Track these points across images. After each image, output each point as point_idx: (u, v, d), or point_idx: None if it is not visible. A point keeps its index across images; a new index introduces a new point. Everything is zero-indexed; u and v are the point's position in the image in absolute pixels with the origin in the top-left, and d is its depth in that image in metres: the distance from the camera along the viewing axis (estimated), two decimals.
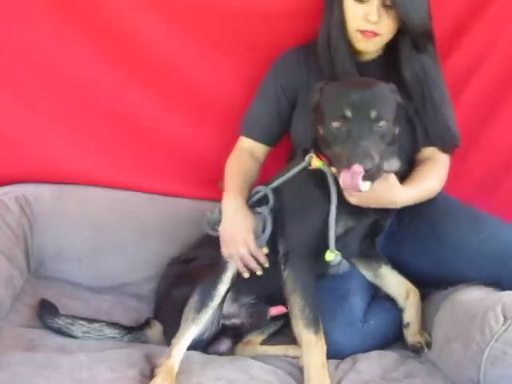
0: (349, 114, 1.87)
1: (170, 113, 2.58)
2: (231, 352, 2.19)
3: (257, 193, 2.19)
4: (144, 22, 2.42)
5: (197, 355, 2.06)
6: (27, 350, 1.97)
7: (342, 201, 1.99)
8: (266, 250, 2.08)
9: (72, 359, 1.93)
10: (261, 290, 2.17)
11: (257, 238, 2.08)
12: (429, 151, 2.26)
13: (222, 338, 2.17)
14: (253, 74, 2.47)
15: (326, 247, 2.00)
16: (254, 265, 2.09)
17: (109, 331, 2.17)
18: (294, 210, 2.08)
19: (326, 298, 2.14)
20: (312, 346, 1.93)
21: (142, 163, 2.64)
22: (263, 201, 2.14)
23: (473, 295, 2.06)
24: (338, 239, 2.01)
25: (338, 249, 1.99)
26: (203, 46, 2.47)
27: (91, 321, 2.18)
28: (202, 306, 2.01)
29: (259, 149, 2.38)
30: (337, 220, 1.99)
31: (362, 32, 2.12)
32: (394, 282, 2.23)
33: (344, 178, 1.84)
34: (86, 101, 2.54)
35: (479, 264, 2.09)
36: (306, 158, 2.07)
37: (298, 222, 2.06)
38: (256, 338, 2.26)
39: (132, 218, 2.59)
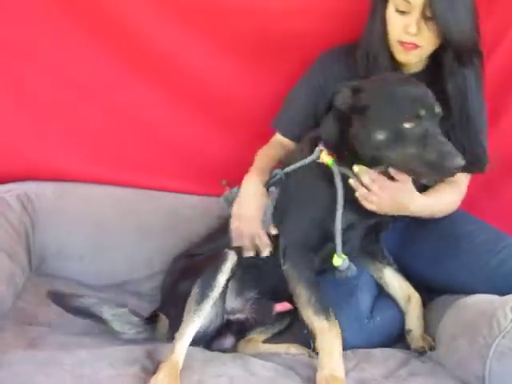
0: (423, 112, 1.83)
1: (173, 110, 2.58)
2: (233, 349, 2.17)
3: (275, 176, 2.18)
4: (149, 19, 2.42)
5: (198, 352, 2.04)
6: (28, 347, 1.96)
7: (346, 198, 1.98)
8: (273, 231, 2.08)
9: (73, 356, 1.91)
10: (264, 283, 2.15)
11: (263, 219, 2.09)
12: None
13: (227, 334, 2.16)
14: (259, 73, 2.48)
15: (325, 242, 2.00)
16: (258, 241, 2.09)
17: (133, 318, 2.15)
18: (296, 202, 2.07)
19: (332, 294, 2.12)
20: (327, 331, 1.89)
21: (143, 160, 2.64)
22: (279, 184, 2.15)
23: (480, 299, 2.04)
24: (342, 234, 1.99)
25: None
26: (209, 45, 2.47)
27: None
28: (203, 297, 1.99)
29: (293, 144, 2.38)
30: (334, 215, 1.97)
31: (402, 43, 2.10)
32: (396, 286, 2.22)
33: None
34: (87, 99, 2.54)
35: (496, 284, 2.06)
36: (316, 150, 2.05)
37: (299, 214, 2.05)
38: (259, 336, 2.25)
39: (134, 216, 2.58)
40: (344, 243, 2.00)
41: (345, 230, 2.01)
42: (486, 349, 1.83)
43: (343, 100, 1.94)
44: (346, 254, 1.99)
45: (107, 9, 2.39)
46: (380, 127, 1.87)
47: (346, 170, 1.99)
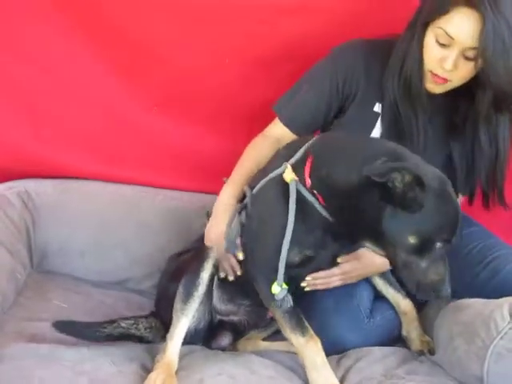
0: (454, 241, 1.74)
1: (169, 109, 2.58)
2: (234, 347, 2.18)
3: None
4: (139, 18, 2.40)
5: (198, 350, 2.06)
6: (30, 343, 1.96)
7: (302, 228, 1.86)
8: (240, 256, 1.99)
9: (75, 352, 1.93)
10: (254, 294, 2.06)
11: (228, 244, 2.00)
12: None
13: (223, 332, 2.17)
14: (250, 71, 2.47)
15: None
16: (227, 267, 2.04)
17: (157, 323, 2.15)
18: (258, 221, 1.97)
19: (332, 294, 2.13)
20: (304, 348, 1.88)
21: (144, 157, 2.64)
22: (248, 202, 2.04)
23: (476, 301, 2.04)
24: (297, 265, 1.91)
25: (298, 271, 1.93)
26: (201, 42, 2.45)
27: (137, 316, 2.17)
28: (188, 296, 1.99)
29: (290, 137, 2.21)
30: (291, 248, 1.85)
31: (433, 75, 1.98)
32: (384, 292, 2.21)
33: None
34: (86, 97, 2.54)
35: (488, 295, 2.04)
36: (283, 165, 1.90)
37: (260, 234, 1.96)
38: (259, 334, 2.25)
39: (135, 213, 2.58)
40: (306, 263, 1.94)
41: (300, 264, 1.92)
42: (483, 350, 1.84)
43: (399, 184, 1.64)
44: (287, 284, 1.87)
45: (95, 5, 2.38)
46: (419, 234, 1.69)
47: (307, 194, 1.85)
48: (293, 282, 1.93)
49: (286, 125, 2.23)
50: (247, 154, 2.21)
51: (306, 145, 1.93)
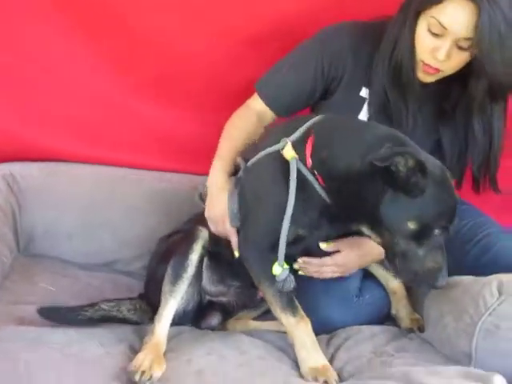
0: (452, 229, 1.75)
1: (156, 90, 2.56)
2: (223, 327, 2.18)
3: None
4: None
5: (187, 331, 2.06)
6: (17, 326, 1.95)
7: (299, 207, 1.84)
8: (286, 266, 1.91)
9: (62, 335, 1.92)
10: (245, 275, 2.05)
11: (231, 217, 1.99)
12: None
13: (212, 312, 2.16)
14: (238, 50, 2.45)
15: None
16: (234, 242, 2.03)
17: (143, 305, 2.15)
18: (252, 198, 1.96)
19: None
20: (294, 328, 1.89)
21: (131, 139, 2.62)
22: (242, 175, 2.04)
23: (466, 278, 2.04)
24: (287, 244, 1.88)
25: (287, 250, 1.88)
26: (186, 21, 2.42)
27: (121, 298, 2.15)
28: (177, 278, 1.97)
29: (271, 116, 2.21)
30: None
31: (425, 65, 1.94)
32: (373, 270, 2.21)
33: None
34: (72, 80, 2.52)
35: (479, 273, 2.03)
36: (282, 141, 1.89)
37: (254, 212, 1.95)
38: (248, 313, 2.25)
39: (121, 194, 2.56)
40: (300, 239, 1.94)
41: (292, 243, 1.90)
42: (472, 327, 1.84)
43: (403, 168, 1.65)
44: (289, 264, 1.88)
45: None
46: (418, 219, 1.70)
47: (307, 174, 1.85)
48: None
49: (268, 104, 2.20)
50: (233, 125, 2.18)
51: (309, 123, 1.91)
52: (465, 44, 1.87)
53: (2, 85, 2.48)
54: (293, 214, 1.83)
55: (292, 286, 1.88)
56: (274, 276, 1.87)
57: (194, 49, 2.47)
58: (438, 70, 1.95)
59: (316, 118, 1.92)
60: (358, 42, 2.10)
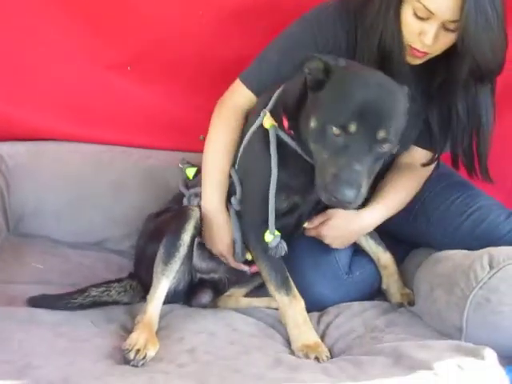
0: (353, 128, 1.66)
1: (142, 67, 2.53)
2: (214, 304, 2.18)
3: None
4: None
5: (178, 308, 2.06)
6: (8, 305, 1.95)
7: (287, 172, 1.89)
8: (249, 257, 2.03)
9: (53, 315, 1.93)
10: None
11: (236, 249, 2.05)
12: (419, 155, 2.17)
13: (203, 290, 2.16)
14: (224, 25, 2.42)
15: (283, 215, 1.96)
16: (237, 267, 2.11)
17: (133, 283, 2.14)
18: (246, 174, 2.01)
19: (310, 252, 2.15)
20: (287, 307, 1.93)
21: (118, 117, 2.60)
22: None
23: (456, 252, 2.05)
24: (284, 213, 1.96)
25: (285, 220, 1.96)
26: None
27: (111, 281, 2.12)
28: (169, 257, 1.97)
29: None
30: (278, 194, 1.89)
31: (412, 49, 1.92)
32: (365, 245, 2.22)
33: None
34: (58, 57, 2.49)
35: (469, 246, 2.05)
36: (261, 113, 1.92)
37: (249, 186, 2.00)
38: (239, 290, 2.26)
39: (109, 172, 2.55)
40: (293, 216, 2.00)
41: (289, 211, 1.98)
42: (463, 300, 1.86)
43: (313, 71, 1.76)
44: (279, 231, 1.91)
45: None
46: (317, 116, 1.74)
47: (286, 137, 1.88)
48: (282, 232, 1.94)
49: (255, 92, 2.13)
50: (219, 139, 2.10)
51: (280, 89, 1.94)
52: (452, 26, 1.84)
53: None
54: (282, 181, 1.87)
55: (283, 253, 1.92)
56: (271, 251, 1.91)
57: (180, 25, 2.44)
58: (425, 53, 1.93)
59: (286, 83, 1.94)
60: (346, 23, 2.04)
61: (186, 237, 2.01)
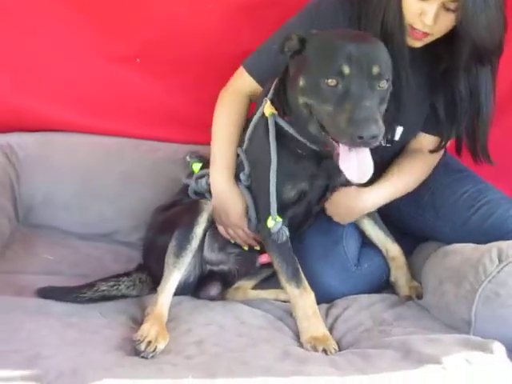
0: (347, 70, 1.69)
1: (151, 59, 2.53)
2: (222, 297, 2.18)
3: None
4: None
5: (186, 300, 2.06)
6: (18, 296, 1.97)
7: (291, 160, 1.92)
8: (279, 219, 1.97)
9: (63, 306, 1.94)
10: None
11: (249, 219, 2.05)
12: (426, 141, 2.18)
13: (212, 283, 2.16)
14: (233, 17, 2.42)
15: (293, 202, 1.99)
16: (251, 242, 2.11)
17: (141, 276, 2.14)
18: (253, 162, 2.03)
19: (319, 243, 2.15)
20: (298, 299, 1.94)
21: (127, 109, 2.60)
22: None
23: (464, 245, 2.05)
24: (294, 203, 1.99)
25: (295, 209, 1.99)
26: None
27: (120, 275, 2.11)
28: (181, 249, 1.99)
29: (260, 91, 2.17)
30: (285, 183, 1.93)
31: (413, 30, 1.91)
32: (373, 237, 2.22)
33: (348, 158, 1.73)
34: (67, 49, 2.50)
35: (477, 240, 2.04)
36: (263, 102, 1.96)
37: (257, 174, 2.02)
38: (247, 283, 2.26)
39: (118, 164, 2.56)
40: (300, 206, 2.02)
41: (298, 199, 2.00)
42: (472, 293, 1.85)
43: (289, 47, 1.83)
44: (281, 217, 1.94)
45: None
46: (303, 74, 1.78)
47: (285, 124, 1.91)
48: (291, 222, 1.99)
49: (258, 80, 2.17)
50: (223, 121, 2.15)
51: (277, 78, 1.97)
52: (452, 6, 1.84)
53: None
54: (287, 169, 1.91)
55: (285, 238, 1.95)
56: (282, 244, 1.95)
57: (189, 19, 2.44)
58: (426, 34, 1.93)
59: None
60: (349, 13, 2.04)
61: (199, 230, 2.02)
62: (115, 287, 2.06)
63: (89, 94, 2.56)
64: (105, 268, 2.25)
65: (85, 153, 2.56)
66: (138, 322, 1.91)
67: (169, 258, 1.99)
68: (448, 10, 1.85)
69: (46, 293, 1.98)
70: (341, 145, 1.74)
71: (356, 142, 1.67)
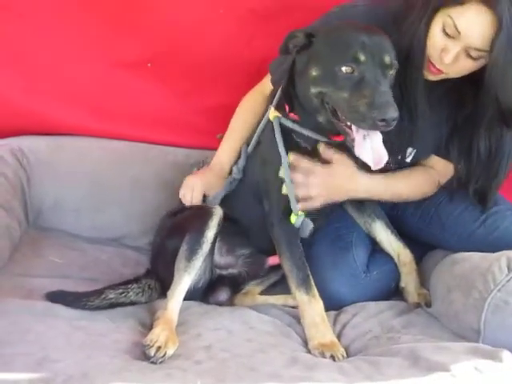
0: (362, 57, 1.76)
1: (163, 65, 2.55)
2: (231, 302, 2.19)
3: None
4: None
5: (195, 305, 2.06)
6: (26, 298, 1.97)
7: (298, 153, 1.98)
8: (301, 212, 2.00)
9: (71, 309, 1.94)
10: (256, 244, 2.17)
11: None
12: (438, 164, 2.19)
13: (221, 288, 2.17)
14: (246, 24, 2.43)
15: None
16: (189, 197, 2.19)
17: (150, 281, 2.14)
18: (263, 168, 2.07)
19: (328, 250, 2.16)
20: (306, 306, 1.94)
21: (138, 113, 2.61)
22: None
23: (473, 254, 2.04)
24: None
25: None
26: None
27: (128, 282, 2.10)
28: (192, 253, 1.99)
29: None
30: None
31: (430, 63, 1.93)
32: (385, 242, 2.21)
33: (363, 145, 1.77)
34: (79, 53, 2.51)
35: (484, 251, 2.02)
36: (269, 109, 2.04)
37: (269, 180, 2.04)
38: (255, 288, 2.26)
39: (127, 168, 2.57)
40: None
41: None
42: (481, 302, 1.84)
43: (295, 43, 1.90)
44: (303, 212, 1.97)
45: None
46: (316, 64, 1.84)
47: (291, 124, 1.97)
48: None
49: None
50: (245, 108, 2.27)
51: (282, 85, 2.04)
52: (475, 54, 1.83)
53: (10, 62, 2.49)
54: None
55: (310, 228, 1.98)
56: (294, 247, 1.97)
57: (201, 25, 2.46)
58: (440, 72, 1.92)
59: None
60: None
61: (210, 234, 2.03)
62: (123, 294, 2.05)
63: (99, 98, 2.58)
64: (113, 272, 2.26)
65: (95, 157, 2.57)
66: (146, 326, 1.92)
67: (180, 263, 1.99)
68: (469, 56, 1.84)
69: (55, 297, 1.98)
70: (355, 131, 1.79)
71: (377, 125, 1.73)
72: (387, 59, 1.78)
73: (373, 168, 1.82)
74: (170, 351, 1.75)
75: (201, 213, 2.08)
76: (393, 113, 1.70)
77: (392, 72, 1.81)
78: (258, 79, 2.35)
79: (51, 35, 2.47)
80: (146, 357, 1.73)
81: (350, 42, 1.79)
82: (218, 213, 2.06)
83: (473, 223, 2.14)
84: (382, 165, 1.80)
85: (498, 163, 2.07)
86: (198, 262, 1.99)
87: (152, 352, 1.72)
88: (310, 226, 1.98)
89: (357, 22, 1.92)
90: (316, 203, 2.02)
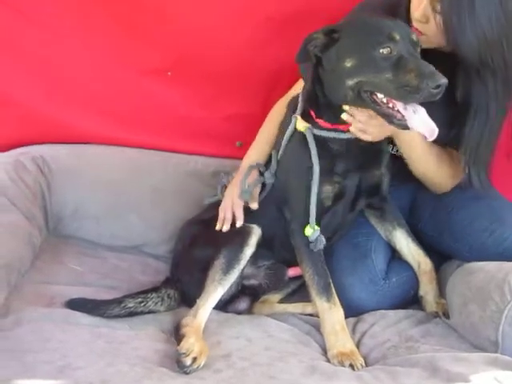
0: (397, 36, 1.81)
1: (182, 73, 2.56)
2: (249, 311, 2.19)
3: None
4: None
5: (214, 313, 2.06)
6: (47, 306, 1.99)
7: (326, 167, 1.98)
8: (254, 205, 2.11)
9: (91, 316, 1.96)
10: (278, 255, 2.19)
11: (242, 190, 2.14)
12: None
13: (241, 297, 2.18)
14: (260, 32, 2.45)
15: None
16: (227, 216, 2.14)
17: (170, 292, 2.15)
18: (289, 177, 2.09)
19: (348, 256, 2.16)
20: (326, 314, 1.95)
21: (159, 122, 2.63)
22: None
23: (488, 263, 2.03)
24: (327, 210, 2.04)
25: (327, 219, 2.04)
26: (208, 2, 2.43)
27: (148, 291, 2.12)
28: (229, 268, 2.01)
29: None
30: (322, 185, 1.98)
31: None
32: (406, 250, 2.20)
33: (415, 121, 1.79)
34: (100, 62, 2.54)
35: (495, 260, 2.02)
36: (292, 119, 2.05)
37: (294, 189, 2.06)
38: (273, 296, 2.27)
39: (148, 177, 2.58)
40: (331, 213, 2.06)
41: (332, 205, 2.04)
42: (498, 314, 1.84)
43: (316, 45, 1.92)
44: (318, 225, 1.99)
45: None
46: (349, 55, 1.86)
47: (323, 132, 1.98)
48: (323, 232, 2.01)
49: None
50: (269, 117, 2.29)
51: (301, 92, 2.06)
52: (438, 5, 1.89)
53: (32, 71, 2.51)
54: (326, 172, 1.98)
55: (322, 246, 1.99)
56: (315, 255, 1.99)
57: (220, 34, 2.47)
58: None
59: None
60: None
61: (249, 252, 2.06)
62: (142, 304, 2.07)
63: (120, 106, 2.60)
64: (133, 280, 2.28)
65: (115, 165, 2.59)
66: (166, 333, 1.93)
67: (215, 274, 2.00)
68: (435, 10, 1.90)
69: (76, 305, 2.01)
70: (403, 109, 1.81)
71: (432, 93, 1.75)
72: (414, 37, 1.85)
73: (428, 139, 1.83)
74: (203, 362, 1.76)
75: (239, 230, 2.10)
76: (443, 78, 1.74)
77: (419, 49, 1.85)
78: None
79: (73, 45, 2.50)
80: (179, 365, 1.73)
81: (380, 26, 1.85)
82: (256, 232, 2.09)
83: (482, 233, 2.12)
84: (435, 135, 1.81)
85: (480, 123, 2.06)
86: (234, 276, 2.02)
87: (188, 362, 1.73)
88: (323, 243, 1.99)
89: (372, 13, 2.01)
90: (368, 137, 2.00)
